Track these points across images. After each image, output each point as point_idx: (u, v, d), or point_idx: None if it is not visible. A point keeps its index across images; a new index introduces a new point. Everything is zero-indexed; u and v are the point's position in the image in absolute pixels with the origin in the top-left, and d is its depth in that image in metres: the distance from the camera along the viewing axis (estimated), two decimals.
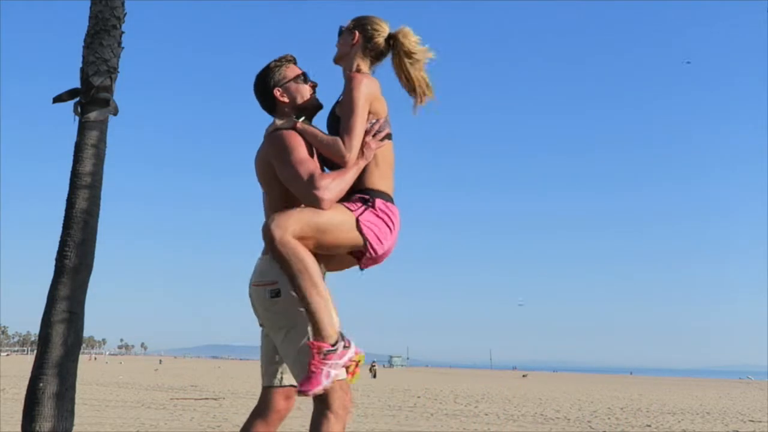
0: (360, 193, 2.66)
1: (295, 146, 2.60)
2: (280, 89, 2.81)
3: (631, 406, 17.89)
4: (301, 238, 2.46)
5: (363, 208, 2.61)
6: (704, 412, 16.42)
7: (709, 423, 13.25)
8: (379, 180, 2.70)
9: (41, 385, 4.21)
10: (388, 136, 2.75)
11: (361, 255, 2.67)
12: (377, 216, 2.62)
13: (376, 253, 2.64)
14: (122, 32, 4.90)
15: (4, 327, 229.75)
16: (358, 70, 2.80)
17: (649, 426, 12.01)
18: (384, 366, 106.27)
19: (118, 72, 4.84)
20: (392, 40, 2.84)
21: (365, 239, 2.59)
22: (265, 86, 2.83)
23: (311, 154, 2.63)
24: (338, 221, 2.55)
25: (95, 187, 4.63)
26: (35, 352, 4.47)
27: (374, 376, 43.51)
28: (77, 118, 4.72)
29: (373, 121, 2.70)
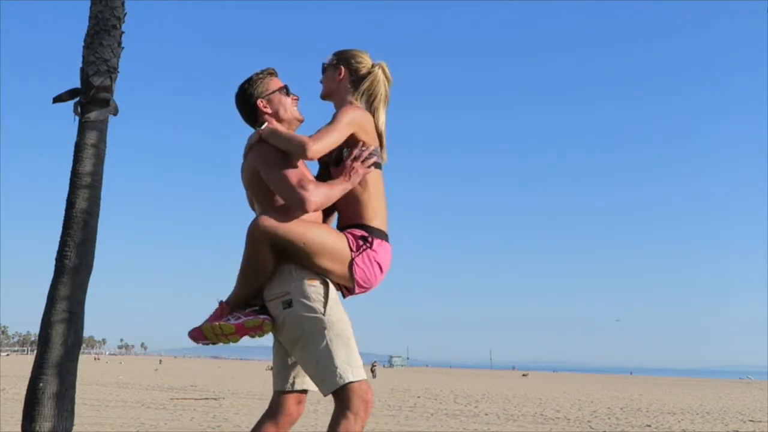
0: (359, 228, 2.70)
1: (284, 155, 2.64)
2: (263, 101, 2.83)
3: (631, 406, 17.89)
4: (285, 241, 2.55)
5: (363, 248, 2.66)
6: (704, 412, 16.42)
7: (709, 423, 13.25)
8: (374, 214, 2.74)
9: (41, 385, 4.21)
10: (377, 166, 2.77)
11: (345, 288, 2.73)
12: (371, 260, 2.66)
13: (355, 292, 2.72)
14: (122, 32, 4.89)
15: (4, 327, 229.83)
16: (350, 104, 2.82)
17: (649, 426, 12.01)
18: (384, 366, 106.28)
19: (118, 72, 4.84)
20: (375, 68, 2.89)
21: (353, 280, 2.65)
22: (247, 98, 2.85)
23: (297, 164, 2.68)
24: (338, 249, 2.62)
25: (95, 187, 4.63)
26: (35, 352, 4.47)
27: (374, 376, 43.52)
28: (77, 118, 4.72)
29: (363, 148, 2.72)
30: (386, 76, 2.91)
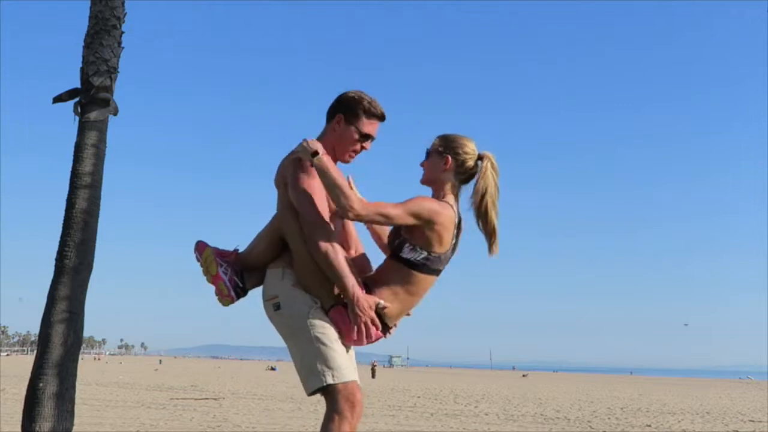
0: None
1: (323, 193, 2.60)
2: (344, 119, 2.70)
3: (631, 406, 17.88)
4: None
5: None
6: (704, 412, 16.41)
7: (709, 423, 13.24)
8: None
9: (41, 385, 4.21)
10: (436, 273, 2.74)
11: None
12: (343, 319, 2.59)
13: None
14: (122, 32, 4.89)
15: (4, 327, 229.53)
16: (443, 197, 2.73)
17: (649, 426, 12.00)
18: (384, 366, 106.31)
19: (118, 72, 4.84)
20: (483, 161, 2.74)
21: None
22: (339, 105, 2.73)
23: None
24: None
25: (95, 187, 4.63)
26: (35, 352, 4.47)
27: (374, 376, 43.49)
28: (77, 118, 4.72)
29: (383, 304, 2.61)
30: (494, 169, 2.74)
